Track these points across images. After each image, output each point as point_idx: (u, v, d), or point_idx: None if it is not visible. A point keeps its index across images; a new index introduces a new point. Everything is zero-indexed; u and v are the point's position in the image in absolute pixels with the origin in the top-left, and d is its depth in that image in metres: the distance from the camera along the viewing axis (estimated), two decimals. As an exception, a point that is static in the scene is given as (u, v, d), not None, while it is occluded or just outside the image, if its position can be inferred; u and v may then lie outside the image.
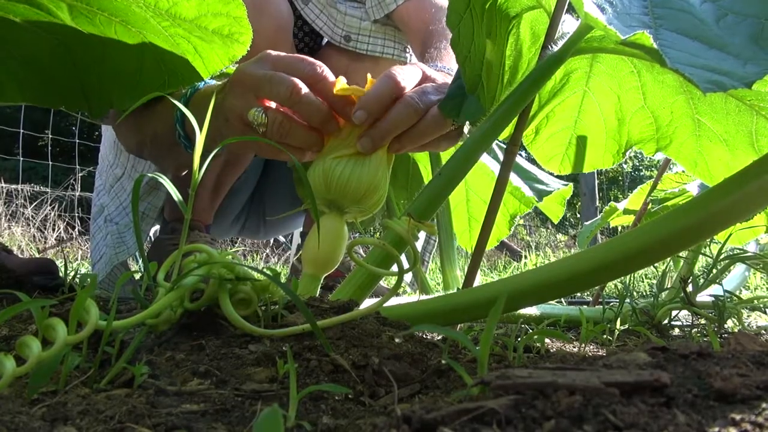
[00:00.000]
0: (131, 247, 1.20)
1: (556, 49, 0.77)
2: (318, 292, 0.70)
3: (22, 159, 4.50)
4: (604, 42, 0.77)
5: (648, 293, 1.61)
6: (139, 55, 0.79)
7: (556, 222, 1.40)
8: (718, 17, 0.53)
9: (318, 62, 0.70)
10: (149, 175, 0.50)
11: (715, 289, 1.15)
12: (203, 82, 0.81)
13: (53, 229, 4.24)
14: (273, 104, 0.70)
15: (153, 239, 1.43)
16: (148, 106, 0.85)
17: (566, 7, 0.77)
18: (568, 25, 0.80)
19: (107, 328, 0.42)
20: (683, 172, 1.28)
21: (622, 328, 0.90)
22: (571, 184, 1.33)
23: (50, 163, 4.63)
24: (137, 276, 1.07)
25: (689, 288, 1.02)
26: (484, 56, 0.75)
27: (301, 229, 1.69)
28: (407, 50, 1.33)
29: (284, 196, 1.55)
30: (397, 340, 0.51)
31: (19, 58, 0.80)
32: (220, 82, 0.79)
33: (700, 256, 1.22)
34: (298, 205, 0.82)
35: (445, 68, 0.89)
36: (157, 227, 1.45)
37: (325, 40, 1.44)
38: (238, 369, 0.44)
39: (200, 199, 1.34)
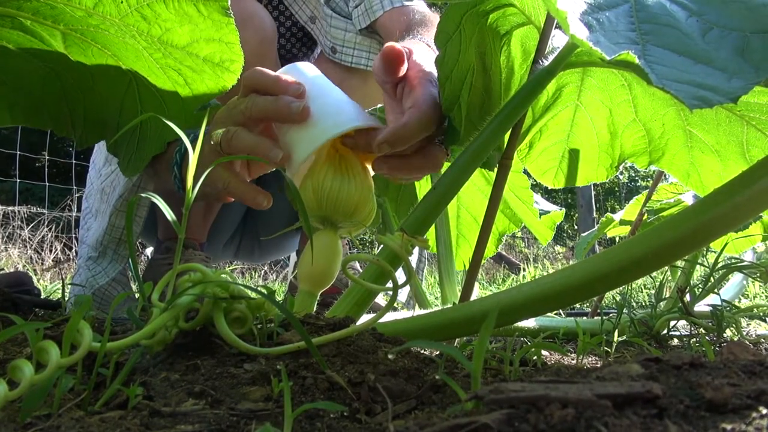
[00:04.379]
0: (108, 270, 1.18)
1: (546, 63, 0.78)
2: (315, 309, 0.70)
3: (18, 180, 4.50)
4: (593, 56, 0.78)
5: (647, 304, 1.61)
6: (125, 90, 0.80)
7: (544, 244, 1.41)
8: (704, 32, 0.54)
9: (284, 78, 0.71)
10: (143, 195, 0.51)
11: (714, 299, 1.15)
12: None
13: (50, 251, 4.23)
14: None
15: (149, 260, 1.42)
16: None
17: (556, 21, 0.78)
18: (558, 39, 0.81)
19: (101, 350, 0.42)
20: (678, 182, 1.29)
21: (620, 339, 0.90)
22: (563, 209, 1.34)
23: (47, 184, 4.64)
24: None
25: (687, 298, 1.03)
26: (466, 77, 0.76)
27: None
28: None
29: (278, 215, 1.54)
30: (392, 357, 0.51)
31: (10, 83, 0.81)
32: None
33: (698, 265, 1.22)
34: (293, 224, 0.82)
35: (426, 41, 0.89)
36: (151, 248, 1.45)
37: (318, 50, 1.44)
38: (233, 388, 0.44)
39: (192, 217, 1.33)
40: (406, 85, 0.71)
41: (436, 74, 0.73)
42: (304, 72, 0.74)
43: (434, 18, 1.15)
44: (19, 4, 0.69)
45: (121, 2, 0.67)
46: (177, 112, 0.79)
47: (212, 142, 0.71)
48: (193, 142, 0.54)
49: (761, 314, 1.23)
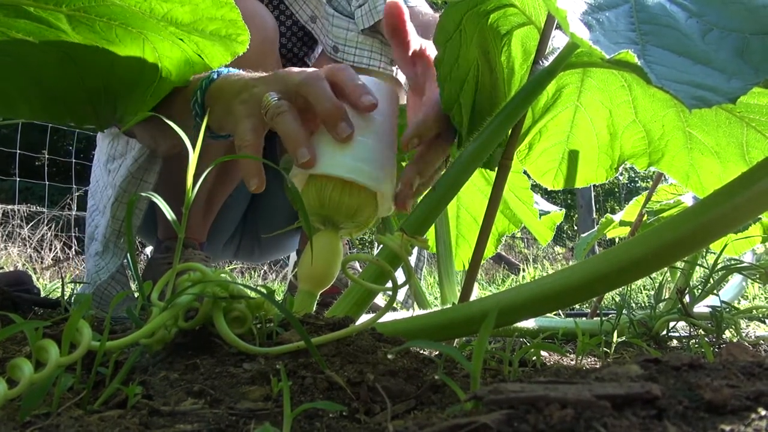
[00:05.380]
0: (110, 265, 1.18)
1: (547, 64, 0.79)
2: (314, 309, 0.70)
3: (18, 179, 4.50)
4: (593, 57, 0.78)
5: (646, 304, 1.61)
6: (141, 56, 0.80)
7: (544, 245, 1.42)
8: (704, 32, 0.54)
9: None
10: (143, 194, 0.51)
11: (713, 300, 1.15)
12: (225, 69, 0.80)
13: (50, 249, 4.22)
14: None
15: (148, 259, 1.42)
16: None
17: (556, 22, 0.78)
18: (559, 40, 0.81)
19: (100, 349, 0.42)
20: (678, 183, 1.29)
21: (619, 340, 0.90)
22: (563, 210, 1.34)
23: (47, 183, 4.64)
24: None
25: (686, 299, 1.03)
26: (467, 77, 0.76)
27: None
28: (393, 63, 1.32)
29: (279, 214, 1.54)
30: (391, 357, 0.51)
31: (28, 75, 0.81)
32: (241, 71, 0.78)
33: (697, 267, 1.22)
34: (293, 224, 0.81)
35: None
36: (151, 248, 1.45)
37: (319, 49, 1.44)
38: (232, 388, 0.44)
39: (192, 216, 1.32)
40: (424, 63, 0.75)
41: None
42: (380, 99, 0.70)
43: (436, 20, 1.15)
44: (20, -8, 0.69)
45: (122, -15, 0.68)
46: (200, 69, 0.81)
47: (263, 103, 0.69)
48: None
49: (760, 315, 1.23)
